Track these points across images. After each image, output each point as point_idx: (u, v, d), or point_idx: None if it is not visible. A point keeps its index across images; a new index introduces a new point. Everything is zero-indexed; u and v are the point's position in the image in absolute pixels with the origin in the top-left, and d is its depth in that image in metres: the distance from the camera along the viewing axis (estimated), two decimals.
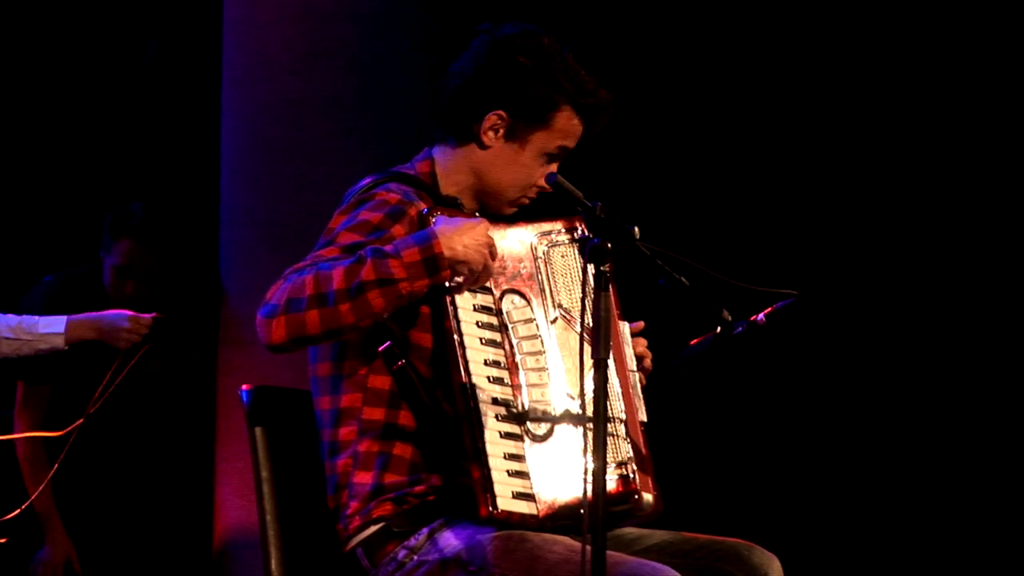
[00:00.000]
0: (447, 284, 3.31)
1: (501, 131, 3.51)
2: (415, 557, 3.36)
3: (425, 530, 3.37)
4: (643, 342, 3.68)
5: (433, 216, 3.37)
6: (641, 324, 3.69)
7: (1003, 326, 6.14)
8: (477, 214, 3.50)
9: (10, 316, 4.87)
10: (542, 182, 3.52)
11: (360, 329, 3.30)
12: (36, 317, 4.88)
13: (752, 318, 3.65)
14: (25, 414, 5.25)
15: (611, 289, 3.47)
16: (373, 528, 3.39)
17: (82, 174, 5.41)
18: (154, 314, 4.94)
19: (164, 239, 5.33)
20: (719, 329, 3.63)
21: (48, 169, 6.50)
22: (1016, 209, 6.11)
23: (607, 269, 3.19)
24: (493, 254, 3.33)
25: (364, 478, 3.39)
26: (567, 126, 3.52)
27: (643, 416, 3.55)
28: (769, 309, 3.65)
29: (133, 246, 5.27)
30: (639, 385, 3.59)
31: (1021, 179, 6.11)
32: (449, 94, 3.55)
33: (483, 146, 3.52)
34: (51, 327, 4.87)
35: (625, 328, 3.62)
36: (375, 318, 3.27)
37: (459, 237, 3.29)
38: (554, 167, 3.54)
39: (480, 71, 3.51)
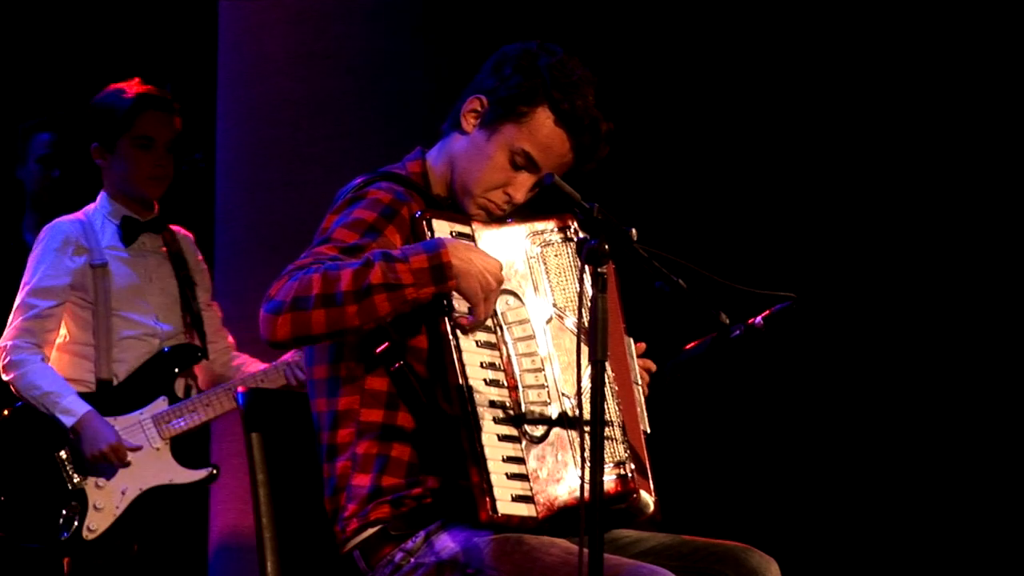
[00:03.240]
0: (453, 315, 3.29)
1: (479, 118, 3.49)
2: (412, 560, 3.35)
3: (422, 533, 3.36)
4: (651, 365, 3.67)
5: (425, 220, 3.36)
6: (643, 346, 3.67)
7: (1001, 328, 6.13)
8: (473, 220, 3.47)
9: (46, 375, 4.97)
10: (512, 191, 3.47)
11: (362, 332, 3.29)
12: (62, 392, 4.97)
13: (750, 321, 3.64)
14: None
15: (616, 300, 3.48)
16: (370, 531, 3.38)
17: (81, 173, 5.40)
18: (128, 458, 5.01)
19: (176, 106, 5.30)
20: (717, 332, 3.62)
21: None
22: (1015, 210, 6.11)
23: (604, 271, 3.18)
24: (499, 281, 3.31)
25: (362, 480, 3.38)
26: (542, 131, 3.45)
27: (646, 427, 3.54)
28: (767, 312, 3.65)
29: (152, 114, 5.19)
30: (643, 398, 3.58)
31: (1021, 180, 6.10)
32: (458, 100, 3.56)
33: (463, 132, 3.51)
34: (66, 416, 4.96)
35: (631, 342, 3.61)
36: (379, 322, 3.26)
37: (468, 253, 3.29)
38: (523, 178, 3.48)
39: (482, 71, 3.51)
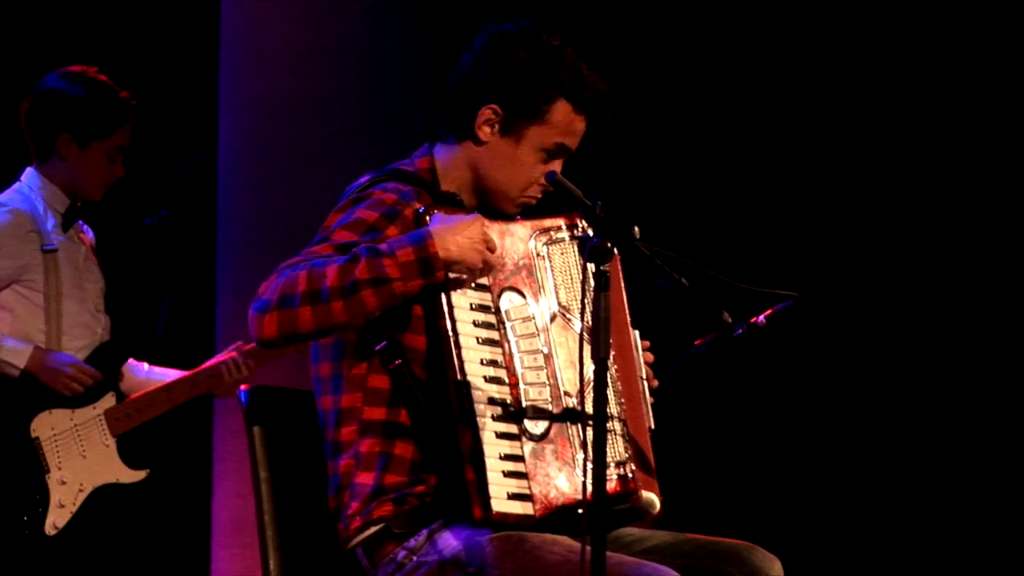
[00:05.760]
0: (447, 281, 3.29)
1: (496, 126, 3.49)
2: (414, 558, 3.35)
3: (424, 531, 3.35)
4: (649, 358, 3.67)
5: (429, 215, 3.36)
6: (646, 343, 3.67)
7: (1003, 327, 6.13)
8: (476, 212, 3.48)
9: None
10: (544, 181, 3.50)
11: (352, 327, 3.29)
12: (3, 336, 4.92)
13: (752, 320, 3.64)
14: None
15: (621, 294, 3.48)
16: (373, 529, 3.38)
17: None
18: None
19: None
20: (719, 331, 3.61)
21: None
22: (1016, 209, 6.10)
23: (607, 269, 3.18)
24: (492, 247, 3.32)
25: (366, 478, 3.38)
26: (564, 121, 3.49)
27: (651, 423, 3.53)
28: (769, 311, 3.65)
29: (129, 126, 5.16)
30: (647, 392, 3.57)
31: (1021, 179, 6.10)
32: (449, 92, 3.52)
33: (479, 142, 3.50)
34: (14, 358, 4.92)
35: (636, 336, 3.60)
36: (367, 317, 3.26)
37: (453, 236, 3.28)
38: (556, 165, 3.51)
39: (476, 66, 3.49)
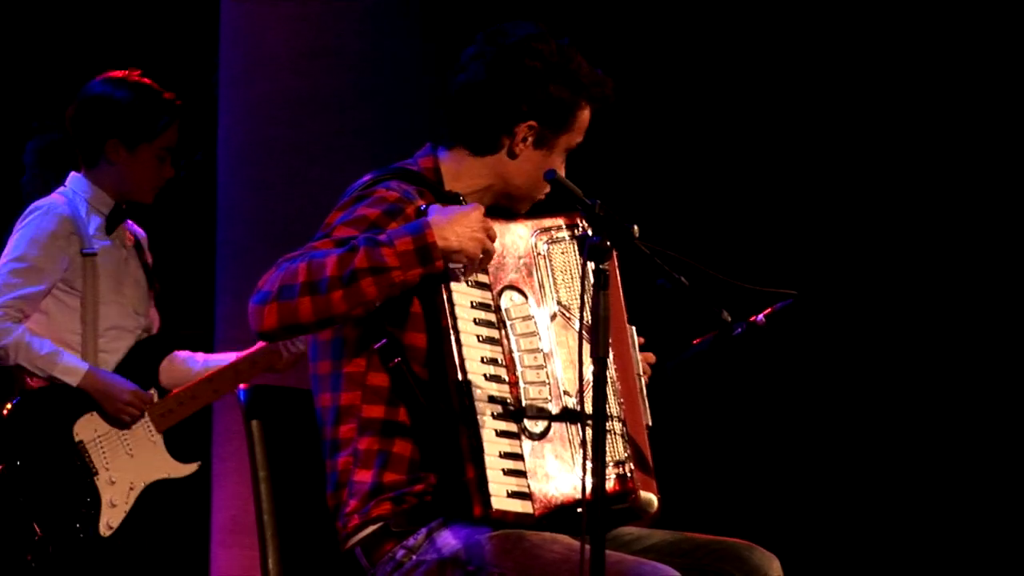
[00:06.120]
0: (447, 271, 3.29)
1: (531, 139, 3.50)
2: (413, 557, 3.35)
3: (423, 530, 3.35)
4: (650, 357, 3.67)
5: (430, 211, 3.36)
6: (641, 340, 3.67)
7: (1003, 326, 6.13)
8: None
9: (36, 340, 4.91)
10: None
11: (352, 317, 3.29)
12: (58, 350, 4.92)
13: (752, 318, 3.64)
14: None
15: (618, 291, 3.48)
16: (372, 527, 3.38)
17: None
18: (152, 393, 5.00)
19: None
20: (718, 330, 3.61)
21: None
22: (1016, 209, 6.10)
23: (607, 267, 3.18)
24: (492, 236, 3.32)
25: (364, 476, 3.38)
26: (584, 122, 3.55)
27: (648, 420, 3.53)
28: (769, 310, 3.65)
29: (176, 127, 5.18)
30: (645, 390, 3.58)
31: (1021, 179, 6.10)
32: (464, 103, 3.50)
33: (514, 156, 3.51)
34: (66, 376, 4.92)
35: (632, 332, 3.60)
36: (367, 307, 3.26)
37: (451, 226, 3.28)
38: (564, 158, 3.56)
39: (497, 81, 3.47)
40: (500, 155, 3.52)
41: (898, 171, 6.20)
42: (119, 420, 4.98)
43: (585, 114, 3.53)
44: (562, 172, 3.52)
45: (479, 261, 3.32)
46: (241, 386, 3.70)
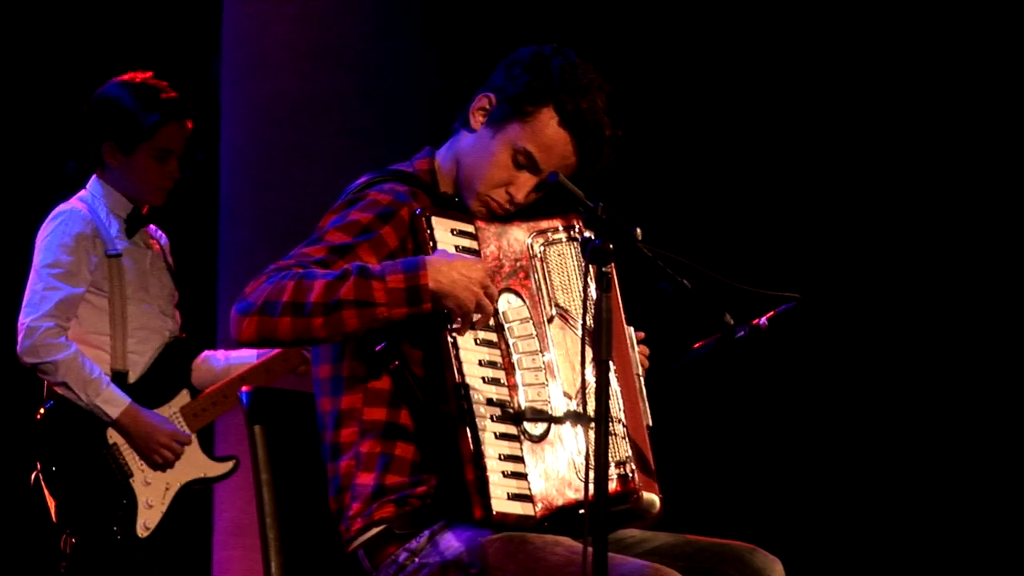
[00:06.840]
0: (436, 314, 3.28)
1: (487, 115, 3.49)
2: (416, 559, 3.35)
3: (426, 532, 3.35)
4: (644, 350, 3.66)
5: (424, 218, 3.35)
6: (641, 334, 3.67)
7: (1005, 330, 6.13)
8: (477, 212, 3.48)
9: (84, 362, 4.90)
10: (514, 191, 3.46)
11: (333, 343, 3.31)
12: (103, 380, 4.92)
13: (754, 322, 3.63)
14: None
15: (615, 291, 3.47)
16: (375, 530, 3.38)
17: (82, 173, 5.40)
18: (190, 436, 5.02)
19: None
20: (721, 333, 3.61)
21: (46, 167, 6.49)
22: (1017, 211, 6.10)
23: (609, 270, 3.18)
24: (491, 295, 3.30)
25: (366, 479, 3.38)
26: (544, 129, 3.45)
27: (648, 421, 3.53)
28: (771, 313, 3.64)
29: (174, 126, 5.16)
30: (644, 389, 3.57)
31: (1021, 181, 6.10)
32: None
33: (471, 129, 3.51)
34: (109, 407, 4.92)
35: (631, 332, 3.60)
36: (348, 336, 3.27)
37: (448, 270, 3.27)
38: (525, 178, 3.47)
39: (496, 70, 3.51)
40: (463, 131, 3.52)
41: (901, 175, 6.21)
42: (150, 459, 4.98)
43: (545, 116, 3.43)
44: (524, 190, 3.48)
45: (471, 315, 3.29)
46: (243, 388, 3.70)
